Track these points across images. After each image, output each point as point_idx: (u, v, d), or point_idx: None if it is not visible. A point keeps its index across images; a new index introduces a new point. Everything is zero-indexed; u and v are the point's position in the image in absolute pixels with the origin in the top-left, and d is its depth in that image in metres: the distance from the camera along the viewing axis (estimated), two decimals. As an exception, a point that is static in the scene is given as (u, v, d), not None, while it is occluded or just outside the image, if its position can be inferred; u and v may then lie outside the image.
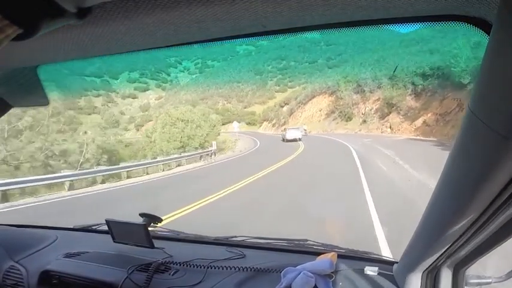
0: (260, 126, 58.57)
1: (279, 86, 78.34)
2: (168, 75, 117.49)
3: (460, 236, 0.46)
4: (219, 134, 33.84)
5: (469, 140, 0.34)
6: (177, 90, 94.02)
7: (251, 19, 0.42)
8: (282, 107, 53.53)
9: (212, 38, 0.52)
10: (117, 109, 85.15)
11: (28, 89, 0.78)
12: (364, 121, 28.97)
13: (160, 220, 1.09)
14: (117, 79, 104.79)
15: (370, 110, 29.16)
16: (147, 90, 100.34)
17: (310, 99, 43.90)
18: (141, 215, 1.07)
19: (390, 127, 24.35)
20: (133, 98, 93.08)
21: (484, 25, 0.37)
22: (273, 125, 51.02)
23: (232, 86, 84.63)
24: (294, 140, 22.98)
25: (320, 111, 38.36)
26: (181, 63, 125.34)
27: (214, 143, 19.87)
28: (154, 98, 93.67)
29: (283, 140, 24.76)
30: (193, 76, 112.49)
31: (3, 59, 0.58)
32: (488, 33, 0.36)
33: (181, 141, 24.99)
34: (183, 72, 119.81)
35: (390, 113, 25.37)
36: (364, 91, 31.34)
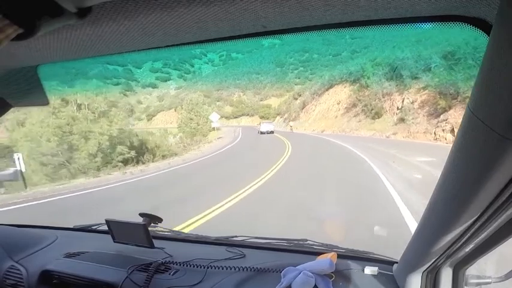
0: (273, 120, 53.32)
1: (299, 78, 73.37)
2: (192, 66, 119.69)
3: (460, 236, 0.46)
4: (213, 129, 31.73)
5: (469, 140, 0.34)
6: (197, 80, 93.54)
7: (251, 19, 0.42)
8: (296, 99, 46.87)
9: (212, 38, 0.52)
10: (135, 98, 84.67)
11: (28, 89, 0.77)
12: (402, 119, 18.14)
13: (160, 220, 1.09)
14: (140, 68, 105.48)
15: (412, 103, 18.26)
16: (169, 80, 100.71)
17: (326, 90, 34.73)
18: (141, 215, 1.07)
19: (452, 130, 13.48)
20: (153, 88, 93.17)
21: (484, 25, 0.37)
22: (284, 120, 44.27)
23: (251, 78, 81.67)
24: (268, 133, 27.10)
25: (338, 104, 29.43)
26: (206, 55, 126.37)
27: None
28: (174, 88, 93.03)
29: (259, 132, 27.87)
30: (216, 68, 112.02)
31: (3, 59, 0.59)
32: (488, 33, 0.36)
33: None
34: (207, 64, 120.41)
35: (450, 107, 14.83)
36: (401, 76, 20.34)
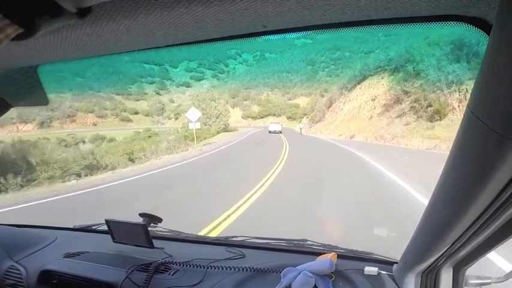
0: (300, 121, 48.33)
1: (330, 76, 69.56)
2: (226, 66, 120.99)
3: (460, 236, 0.46)
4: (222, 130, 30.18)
5: (469, 140, 0.34)
6: (228, 79, 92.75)
7: (251, 19, 0.42)
8: (322, 96, 41.98)
9: (212, 38, 0.52)
10: (168, 97, 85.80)
11: (28, 89, 0.78)
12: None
13: (160, 220, 1.09)
14: (176, 68, 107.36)
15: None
16: (202, 79, 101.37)
17: (358, 83, 27.10)
18: (141, 215, 1.07)
19: None
20: (187, 87, 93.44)
21: (484, 25, 0.37)
22: (310, 121, 38.94)
23: (281, 76, 77.89)
24: (275, 132, 29.19)
25: (373, 100, 22.31)
26: (241, 56, 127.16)
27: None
28: (206, 88, 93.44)
29: (269, 132, 30.06)
30: (248, 67, 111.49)
31: (3, 59, 0.59)
32: (488, 33, 0.36)
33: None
34: (242, 64, 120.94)
35: None
36: (477, 55, 14.16)
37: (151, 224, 1.08)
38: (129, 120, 62.62)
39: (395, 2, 0.36)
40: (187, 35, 0.49)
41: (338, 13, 0.40)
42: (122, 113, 63.68)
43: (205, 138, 23.99)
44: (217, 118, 32.32)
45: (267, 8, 0.38)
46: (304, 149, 14.14)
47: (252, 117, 65.22)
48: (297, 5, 0.37)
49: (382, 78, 22.88)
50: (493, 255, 2.61)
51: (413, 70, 18.04)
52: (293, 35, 0.49)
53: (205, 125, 30.37)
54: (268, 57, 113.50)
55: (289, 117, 59.65)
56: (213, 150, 14.06)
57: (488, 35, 0.35)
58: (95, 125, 56.10)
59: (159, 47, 0.57)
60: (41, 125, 50.88)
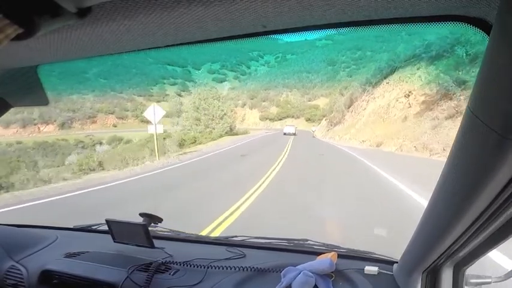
0: (319, 123, 44.50)
1: (350, 76, 66.13)
2: (248, 67, 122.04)
3: (460, 236, 0.46)
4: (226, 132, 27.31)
5: (469, 140, 0.34)
6: (249, 81, 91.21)
7: (251, 19, 0.42)
8: (342, 94, 35.35)
9: (212, 38, 0.52)
10: (189, 98, 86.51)
11: (28, 89, 0.78)
12: None
13: (160, 220, 1.09)
14: (199, 70, 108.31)
15: None
16: (224, 81, 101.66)
17: (384, 77, 21.96)
18: (141, 214, 1.06)
19: None
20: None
21: (484, 25, 0.36)
22: (329, 123, 33.86)
23: (301, 76, 77.60)
24: (290, 134, 30.80)
25: (407, 97, 17.08)
26: (263, 57, 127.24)
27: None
28: (227, 89, 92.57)
29: (283, 134, 31.63)
30: (269, 69, 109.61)
31: (3, 59, 0.59)
32: (488, 33, 0.36)
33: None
34: (264, 66, 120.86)
35: None
36: None
37: (152, 224, 1.08)
38: (149, 122, 64.29)
39: (395, 2, 0.36)
40: (187, 35, 0.49)
41: (338, 13, 0.40)
42: (142, 115, 64.92)
43: (200, 143, 21.24)
44: (221, 119, 29.37)
45: (267, 8, 0.38)
46: (303, 170, 8.83)
47: (270, 119, 64.09)
48: (297, 5, 0.37)
49: (418, 69, 17.89)
50: (495, 254, 2.52)
51: (467, 54, 13.86)
52: (293, 35, 0.49)
53: (207, 128, 27.88)
54: (290, 58, 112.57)
55: (308, 119, 57.99)
56: (180, 163, 10.59)
57: (488, 35, 0.35)
58: (115, 126, 56.61)
59: (159, 47, 0.57)
60: (62, 125, 51.09)
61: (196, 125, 27.69)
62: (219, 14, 0.39)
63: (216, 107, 29.11)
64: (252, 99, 71.04)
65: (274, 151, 13.61)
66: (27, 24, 0.27)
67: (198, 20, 0.41)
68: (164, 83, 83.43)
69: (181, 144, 19.88)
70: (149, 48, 0.57)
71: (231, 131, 30.25)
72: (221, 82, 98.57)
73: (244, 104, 71.05)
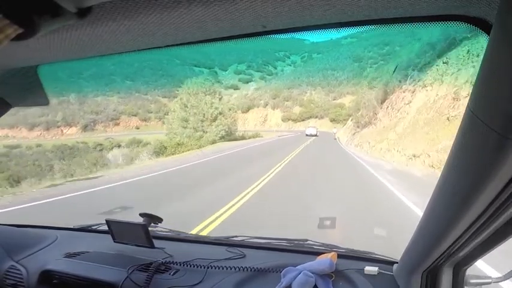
0: (344, 125, 38.55)
1: (378, 72, 55.30)
2: (275, 68, 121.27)
3: (460, 236, 0.46)
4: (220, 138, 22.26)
5: (469, 140, 0.34)
6: (274, 81, 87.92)
7: (251, 19, 0.42)
8: (371, 88, 28.58)
9: (212, 38, 0.52)
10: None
11: (28, 89, 0.78)
12: None
13: (160, 220, 1.09)
14: (226, 71, 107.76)
15: None
16: (250, 81, 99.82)
17: (438, 56, 14.44)
18: (141, 214, 1.06)
19: None
20: (234, 89, 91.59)
21: (484, 25, 0.37)
22: (355, 124, 25.01)
23: (326, 74, 72.33)
24: (311, 135, 31.93)
25: None
26: (289, 57, 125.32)
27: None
28: (253, 89, 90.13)
29: (306, 135, 32.41)
30: (295, 68, 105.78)
31: (3, 59, 0.59)
32: (488, 33, 0.36)
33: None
34: (290, 66, 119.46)
35: None
36: None
37: (152, 224, 1.08)
38: None
39: (395, 2, 0.36)
40: (187, 35, 0.50)
41: (338, 13, 0.40)
42: (166, 116, 64.21)
43: (173, 154, 16.24)
44: (214, 120, 23.14)
45: (267, 8, 0.38)
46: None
47: (293, 120, 59.79)
48: (297, 5, 0.37)
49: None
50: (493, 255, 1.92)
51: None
52: (293, 35, 0.49)
53: (197, 131, 22.59)
54: (316, 57, 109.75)
55: (332, 120, 53.05)
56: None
57: (488, 35, 0.35)
58: (138, 128, 55.22)
59: (159, 47, 0.57)
60: (84, 128, 50.45)
61: (184, 127, 22.38)
62: (219, 14, 0.39)
63: (208, 105, 22.99)
64: (274, 98, 66.69)
65: (261, 169, 8.73)
66: (27, 25, 0.27)
67: (198, 20, 0.41)
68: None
69: (160, 153, 16.63)
70: (149, 49, 0.57)
71: (230, 136, 24.35)
72: (247, 83, 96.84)
73: (267, 104, 67.19)
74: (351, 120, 30.00)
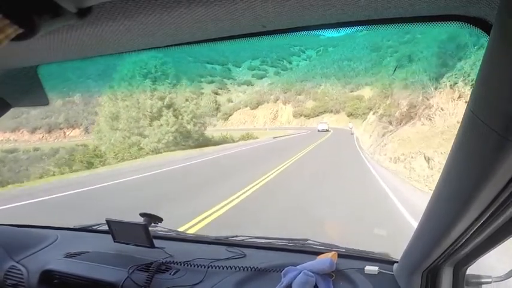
0: (364, 120, 32.12)
1: (399, 61, 53.28)
2: (290, 63, 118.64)
3: (461, 236, 0.46)
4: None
5: (469, 140, 0.34)
6: (288, 75, 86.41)
7: (251, 19, 0.42)
8: (394, 70, 24.83)
9: (212, 38, 0.53)
10: (227, 96, 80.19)
11: (28, 89, 0.78)
12: None
13: (160, 220, 1.09)
14: (239, 67, 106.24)
15: None
16: (264, 77, 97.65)
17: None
18: (142, 214, 1.07)
19: None
20: (248, 85, 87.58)
21: (484, 25, 0.37)
22: (379, 119, 19.07)
23: (341, 65, 65.68)
24: (323, 130, 32.32)
25: None
26: (304, 52, 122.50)
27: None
28: (267, 84, 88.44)
29: (318, 131, 32.85)
30: (311, 62, 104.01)
31: (3, 59, 0.59)
32: (488, 33, 0.36)
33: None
34: (305, 60, 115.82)
35: None
36: None
37: (152, 224, 1.08)
38: None
39: (395, 2, 0.36)
40: (187, 35, 0.50)
41: (338, 13, 0.40)
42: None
43: (102, 166, 11.57)
44: (158, 119, 14.97)
45: (267, 8, 0.38)
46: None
47: (305, 116, 54.44)
48: (297, 5, 0.37)
49: None
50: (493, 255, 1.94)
51: None
52: (293, 35, 0.49)
53: (130, 136, 14.88)
54: (331, 51, 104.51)
55: (350, 114, 46.59)
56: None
57: (488, 35, 0.35)
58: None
59: (159, 47, 0.57)
60: (86, 129, 47.12)
61: (113, 128, 14.79)
62: (219, 14, 0.39)
63: (147, 94, 14.93)
64: (285, 92, 61.15)
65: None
66: (27, 25, 0.27)
67: (198, 20, 0.41)
68: (201, 81, 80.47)
69: (65, 166, 11.62)
70: (149, 48, 0.57)
71: (190, 140, 16.51)
72: (261, 78, 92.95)
73: (277, 99, 61.65)
74: (373, 113, 23.75)
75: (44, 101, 0.81)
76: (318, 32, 0.49)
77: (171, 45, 0.54)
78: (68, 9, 0.29)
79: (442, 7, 0.37)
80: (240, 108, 66.69)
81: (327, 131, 33.38)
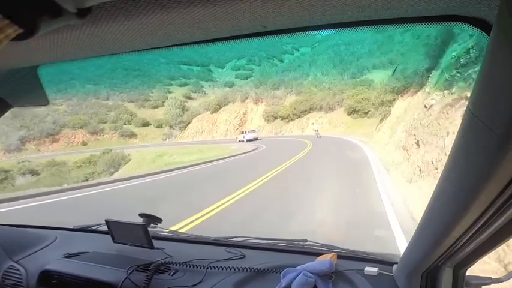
0: (381, 121, 16.18)
1: (418, 38, 21.05)
2: (281, 61, 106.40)
3: (460, 237, 0.46)
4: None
5: (469, 140, 0.34)
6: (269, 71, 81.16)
7: (251, 19, 0.42)
8: (394, 71, 17.69)
9: (212, 38, 0.53)
10: (202, 100, 60.79)
11: (28, 89, 0.78)
12: None
13: (160, 220, 1.10)
14: (222, 68, 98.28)
15: None
16: (250, 77, 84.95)
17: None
18: (141, 215, 1.07)
19: None
20: (230, 87, 65.35)
21: (484, 25, 0.37)
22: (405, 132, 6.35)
23: (337, 50, 49.13)
24: (251, 140, 25.00)
25: None
26: (298, 50, 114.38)
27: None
28: (254, 85, 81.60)
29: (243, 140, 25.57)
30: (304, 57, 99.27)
31: (3, 59, 0.59)
32: (488, 33, 0.36)
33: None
34: (300, 58, 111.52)
35: None
36: None
37: (151, 224, 1.08)
38: (132, 136, 47.80)
39: (395, 2, 0.36)
40: (187, 35, 0.50)
41: (338, 13, 0.40)
42: (124, 126, 47.92)
43: None
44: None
45: (267, 8, 0.38)
46: None
47: (282, 118, 35.13)
48: (297, 5, 0.37)
49: None
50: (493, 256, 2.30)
51: None
52: (293, 35, 0.50)
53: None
54: (326, 43, 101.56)
55: (352, 111, 27.95)
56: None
57: (488, 35, 0.35)
58: (85, 145, 42.15)
59: (159, 47, 0.57)
60: (8, 148, 37.12)
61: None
62: (219, 14, 0.39)
63: None
64: (257, 87, 42.24)
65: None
66: (27, 25, 0.27)
67: (198, 20, 0.41)
68: (172, 84, 69.66)
69: None
70: (149, 49, 0.57)
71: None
72: (246, 78, 77.51)
73: (246, 98, 42.25)
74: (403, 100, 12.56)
75: (43, 101, 0.81)
76: (315, 32, 0.48)
77: (171, 46, 0.54)
78: (67, 9, 0.29)
79: (442, 7, 0.37)
80: (199, 114, 48.72)
81: (255, 139, 24.53)
